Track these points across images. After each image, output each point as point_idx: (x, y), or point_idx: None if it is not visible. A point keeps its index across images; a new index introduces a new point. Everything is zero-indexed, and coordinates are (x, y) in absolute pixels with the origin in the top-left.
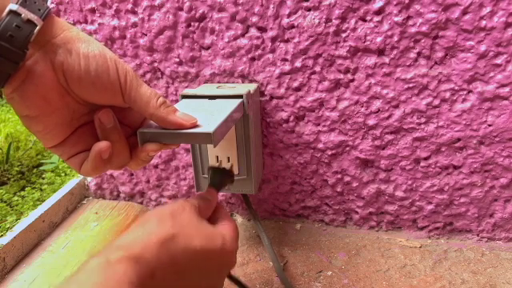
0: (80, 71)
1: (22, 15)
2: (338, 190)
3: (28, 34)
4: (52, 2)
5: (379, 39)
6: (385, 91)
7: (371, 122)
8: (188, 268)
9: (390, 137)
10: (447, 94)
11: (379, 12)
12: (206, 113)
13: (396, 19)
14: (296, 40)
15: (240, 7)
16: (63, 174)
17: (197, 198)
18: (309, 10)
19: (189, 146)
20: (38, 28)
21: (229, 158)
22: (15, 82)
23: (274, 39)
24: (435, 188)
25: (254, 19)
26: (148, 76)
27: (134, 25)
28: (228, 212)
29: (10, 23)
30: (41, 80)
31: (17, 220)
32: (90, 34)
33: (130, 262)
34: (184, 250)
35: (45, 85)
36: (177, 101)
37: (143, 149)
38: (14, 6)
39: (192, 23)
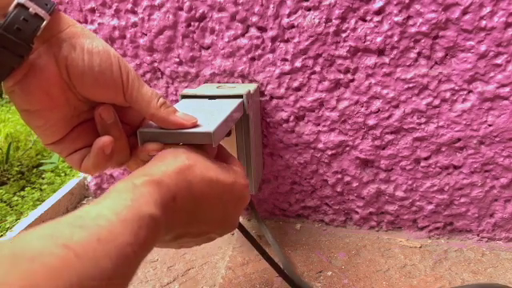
0: (83, 66)
1: (30, 9)
2: (338, 189)
3: (35, 28)
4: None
5: (379, 39)
6: (385, 91)
7: (371, 121)
8: (205, 196)
9: (390, 137)
10: (447, 94)
11: (379, 12)
12: (205, 113)
13: (396, 19)
14: (296, 40)
15: (240, 7)
16: (63, 174)
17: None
18: (309, 9)
19: None
20: (45, 23)
21: None
22: (17, 75)
23: (274, 39)
24: (435, 188)
25: (254, 19)
26: (148, 76)
27: (134, 25)
28: (240, 163)
29: (18, 16)
30: (43, 74)
31: (17, 220)
32: None
33: (153, 184)
34: (200, 178)
35: (47, 79)
36: (177, 101)
37: (143, 148)
38: (22, 0)
39: (192, 23)
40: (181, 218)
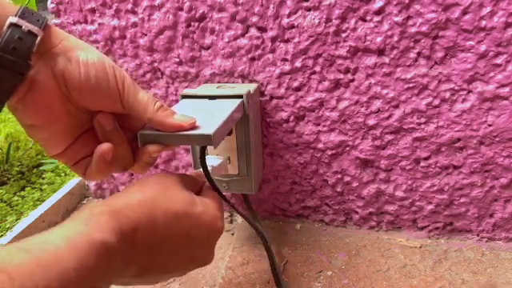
0: (80, 78)
1: (23, 27)
2: (338, 189)
3: (30, 45)
4: (52, 2)
5: (379, 39)
6: (385, 91)
7: (371, 122)
8: (170, 230)
9: (389, 137)
10: (447, 94)
11: (379, 12)
12: (205, 113)
13: (396, 19)
14: (296, 40)
15: (240, 7)
16: (63, 174)
17: (182, 174)
18: (309, 9)
19: (189, 146)
20: (39, 38)
21: (229, 157)
22: (19, 92)
23: (274, 39)
24: (435, 188)
25: (254, 19)
26: (148, 76)
27: (134, 25)
28: (215, 194)
29: (12, 36)
30: (43, 89)
31: (17, 220)
32: (90, 34)
33: (112, 214)
34: (165, 211)
35: (47, 93)
36: (177, 101)
37: (144, 150)
38: (13, 19)
39: (192, 23)
40: (142, 252)
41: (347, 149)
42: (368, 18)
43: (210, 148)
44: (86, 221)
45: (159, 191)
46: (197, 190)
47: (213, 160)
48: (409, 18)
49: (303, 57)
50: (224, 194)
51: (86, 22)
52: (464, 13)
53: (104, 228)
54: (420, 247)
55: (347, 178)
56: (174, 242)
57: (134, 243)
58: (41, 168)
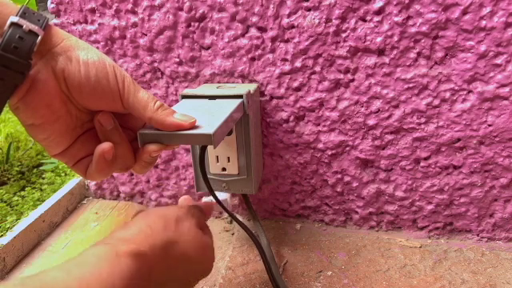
0: (80, 78)
1: (24, 26)
2: (338, 189)
3: (31, 45)
4: (52, 2)
5: (379, 39)
6: (385, 91)
7: (371, 121)
8: (178, 268)
9: (389, 137)
10: (447, 94)
11: (379, 12)
12: (206, 113)
13: (396, 19)
14: (296, 40)
15: (240, 7)
16: (63, 174)
17: (197, 208)
18: (309, 9)
19: (189, 146)
20: (39, 38)
21: (229, 157)
22: (20, 92)
23: (274, 39)
24: (435, 188)
25: (254, 19)
26: (148, 76)
27: (134, 25)
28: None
29: (13, 35)
30: (44, 88)
31: (17, 220)
32: (90, 34)
33: (136, 257)
34: (180, 255)
35: (48, 93)
36: (177, 101)
37: (144, 150)
38: (14, 18)
39: (192, 23)
40: (153, 284)
41: (347, 149)
42: (368, 17)
43: (210, 148)
44: (111, 260)
45: (178, 235)
46: (203, 221)
47: (220, 195)
48: (409, 17)
49: (303, 57)
50: (224, 193)
51: (86, 22)
52: (464, 13)
53: (125, 272)
54: (420, 247)
55: (347, 178)
56: (175, 275)
57: (146, 281)
58: (41, 168)
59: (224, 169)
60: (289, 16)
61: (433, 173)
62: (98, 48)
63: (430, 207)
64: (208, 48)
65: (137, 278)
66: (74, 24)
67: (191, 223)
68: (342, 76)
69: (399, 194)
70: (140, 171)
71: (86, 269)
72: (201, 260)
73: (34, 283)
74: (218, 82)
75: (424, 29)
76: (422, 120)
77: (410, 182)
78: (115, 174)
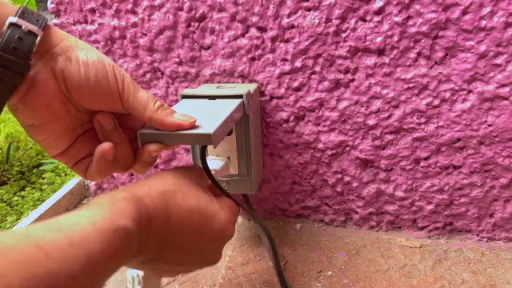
0: (80, 78)
1: (23, 27)
2: (338, 189)
3: (30, 45)
4: (52, 2)
5: (379, 39)
6: (385, 91)
7: (371, 121)
8: (182, 224)
9: (389, 137)
10: (447, 94)
11: (379, 12)
12: (206, 113)
13: (396, 19)
14: (296, 40)
15: (240, 7)
16: (63, 174)
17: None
18: (309, 9)
19: (189, 146)
20: (39, 38)
21: (229, 157)
22: (20, 92)
23: (274, 39)
24: (435, 188)
25: (254, 19)
26: (148, 76)
27: (134, 25)
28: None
29: (12, 35)
30: (43, 89)
31: (17, 220)
32: (90, 34)
33: (133, 201)
34: (181, 205)
35: (47, 93)
36: (177, 101)
37: (144, 150)
38: (13, 19)
39: (192, 23)
40: (154, 241)
41: (347, 149)
42: (368, 17)
43: (210, 148)
44: (110, 206)
45: (178, 186)
46: (217, 190)
47: (214, 163)
48: (409, 17)
49: (303, 57)
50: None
51: (86, 22)
52: (464, 13)
53: (126, 215)
54: (420, 247)
55: (347, 178)
56: (184, 236)
57: (148, 232)
58: (41, 168)
59: None
60: (289, 16)
61: (433, 173)
62: (97, 48)
63: (430, 207)
64: (208, 48)
65: (139, 222)
66: (74, 24)
67: (191, 178)
68: (341, 76)
69: (399, 193)
70: (140, 171)
71: (94, 216)
72: (206, 214)
73: (68, 229)
74: (218, 82)
75: (424, 29)
76: (422, 120)
77: (410, 182)
78: (115, 174)
